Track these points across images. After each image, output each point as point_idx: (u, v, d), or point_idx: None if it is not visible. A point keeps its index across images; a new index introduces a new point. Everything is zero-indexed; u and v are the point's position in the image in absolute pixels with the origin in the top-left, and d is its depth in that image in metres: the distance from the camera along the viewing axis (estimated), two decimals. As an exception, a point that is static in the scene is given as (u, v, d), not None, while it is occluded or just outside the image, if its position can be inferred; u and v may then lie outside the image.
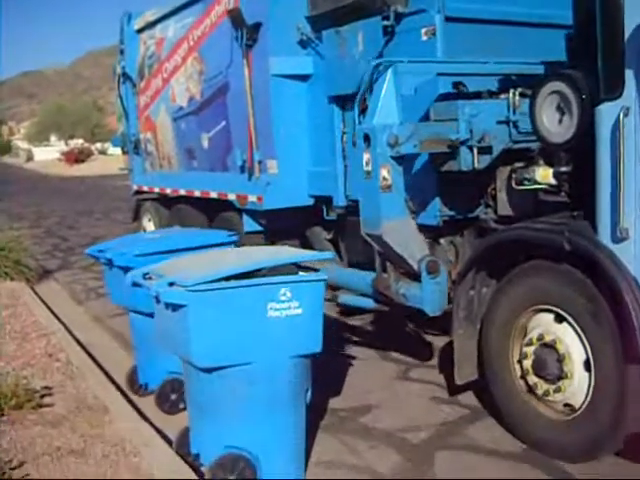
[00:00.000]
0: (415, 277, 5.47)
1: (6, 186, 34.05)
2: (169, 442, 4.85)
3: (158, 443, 4.85)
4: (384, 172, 5.21)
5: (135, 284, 4.61)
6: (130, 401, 5.76)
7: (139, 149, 11.33)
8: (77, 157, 61.54)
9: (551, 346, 4.55)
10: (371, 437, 5.15)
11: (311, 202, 7.45)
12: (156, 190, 10.86)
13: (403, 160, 5.31)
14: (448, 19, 5.93)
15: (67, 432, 5.03)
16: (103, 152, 73.18)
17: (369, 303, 6.19)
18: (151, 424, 5.26)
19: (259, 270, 4.32)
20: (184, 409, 5.45)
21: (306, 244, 7.84)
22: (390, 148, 5.16)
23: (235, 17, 7.45)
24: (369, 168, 5.25)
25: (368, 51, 6.28)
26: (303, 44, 7.22)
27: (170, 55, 9.65)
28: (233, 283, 4.11)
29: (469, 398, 5.64)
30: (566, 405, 4.58)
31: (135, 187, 11.79)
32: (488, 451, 4.84)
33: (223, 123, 8.48)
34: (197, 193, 9.29)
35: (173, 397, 5.62)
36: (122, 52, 11.14)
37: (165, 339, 4.52)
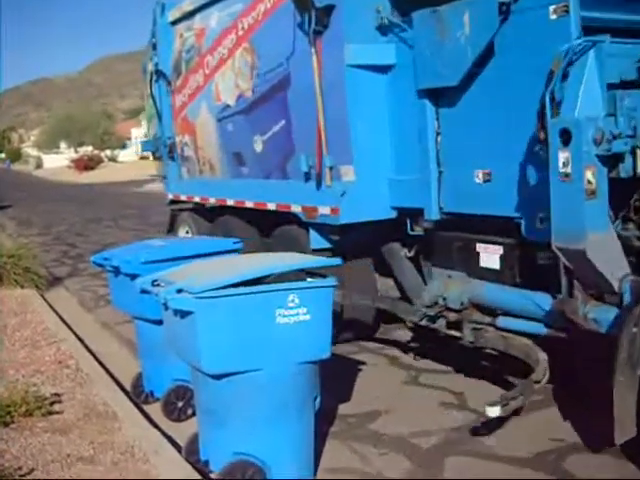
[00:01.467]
0: (602, 298, 4.72)
1: (16, 193, 34.17)
2: (178, 449, 4.84)
3: (167, 450, 4.84)
4: (589, 174, 4.36)
5: (144, 291, 4.61)
6: (139, 408, 5.76)
7: (174, 154, 10.17)
8: (87, 164, 61.84)
9: None
10: (381, 443, 5.12)
11: (393, 215, 6.39)
12: (196, 199, 9.65)
13: (609, 160, 4.47)
14: None
15: (76, 439, 5.03)
16: (113, 159, 73.58)
17: (539, 329, 5.22)
18: (160, 431, 5.25)
19: (268, 276, 4.32)
20: (192, 416, 5.47)
21: (381, 262, 6.96)
22: (595, 146, 4.36)
23: (301, 0, 6.43)
24: (568, 169, 4.38)
25: (476, 34, 5.26)
26: (383, 30, 6.19)
27: (214, 47, 8.52)
28: (242, 289, 4.12)
29: (478, 403, 5.62)
30: None
31: (170, 196, 10.52)
32: (499, 457, 4.81)
33: (282, 123, 7.34)
34: (249, 204, 8.12)
35: (180, 404, 5.61)
36: (154, 47, 10.08)
37: (174, 345, 4.53)
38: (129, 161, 71.76)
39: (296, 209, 7.11)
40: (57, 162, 76.63)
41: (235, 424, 4.22)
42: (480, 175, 5.44)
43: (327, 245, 6.94)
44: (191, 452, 4.66)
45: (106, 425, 5.26)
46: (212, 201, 9.15)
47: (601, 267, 4.48)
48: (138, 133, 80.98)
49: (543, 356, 5.13)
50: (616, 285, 4.51)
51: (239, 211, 8.47)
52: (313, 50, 6.43)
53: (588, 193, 4.37)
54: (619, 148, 4.42)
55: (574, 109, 4.48)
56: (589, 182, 4.36)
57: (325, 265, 5.17)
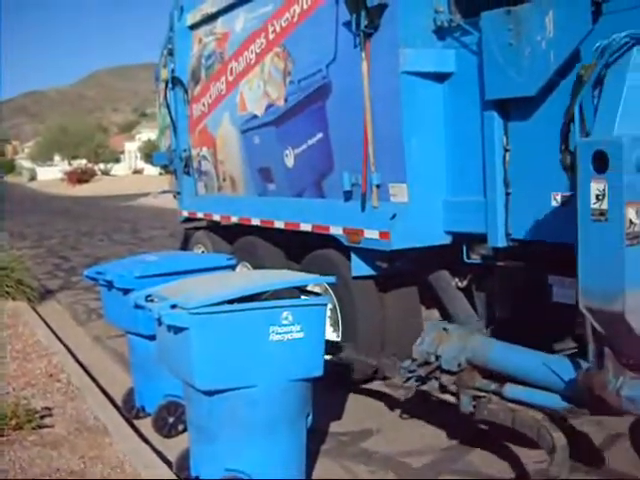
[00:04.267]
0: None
1: (9, 205, 34.07)
2: (169, 464, 4.83)
3: (158, 465, 4.82)
4: (631, 213, 3.42)
5: (137, 306, 4.59)
6: (130, 423, 5.73)
7: (190, 168, 9.48)
8: (80, 177, 61.72)
9: None
10: (372, 462, 5.11)
11: (448, 240, 5.66)
12: (216, 217, 8.83)
13: None
14: None
15: (67, 453, 5.01)
16: (106, 173, 73.45)
17: (558, 403, 4.32)
18: (151, 446, 5.24)
19: (262, 293, 4.34)
20: (183, 432, 5.45)
21: (428, 292, 6.16)
22: None
23: None
24: (604, 206, 3.48)
25: (562, 37, 4.50)
26: (441, 33, 5.54)
27: (239, 53, 7.81)
28: (235, 306, 4.13)
29: (468, 424, 5.61)
30: None
31: (185, 213, 9.65)
32: (488, 477, 4.81)
33: (319, 136, 6.62)
34: (279, 224, 7.26)
35: (171, 420, 5.59)
36: (171, 53, 9.47)
37: (166, 361, 4.51)
38: (123, 175, 71.74)
39: (336, 231, 6.32)
40: (51, 174, 76.57)
41: (226, 440, 4.21)
42: (558, 198, 4.70)
43: (371, 272, 6.19)
44: (182, 468, 4.64)
45: (97, 440, 5.25)
46: (234, 220, 8.29)
47: None
48: (132, 147, 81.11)
49: (561, 441, 4.25)
50: None
51: (264, 232, 7.72)
52: (363, 55, 5.77)
53: (630, 237, 3.43)
54: None
55: (612, 125, 3.72)
56: (632, 223, 3.44)
57: (320, 282, 5.18)
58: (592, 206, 3.52)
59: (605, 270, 3.52)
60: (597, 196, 3.49)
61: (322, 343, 4.40)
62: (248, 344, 4.13)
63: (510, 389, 4.59)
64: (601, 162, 3.46)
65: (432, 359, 5.04)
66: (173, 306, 4.12)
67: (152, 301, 4.51)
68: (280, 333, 4.19)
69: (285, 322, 4.19)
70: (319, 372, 4.38)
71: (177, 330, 4.11)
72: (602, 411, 4.07)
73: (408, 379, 5.15)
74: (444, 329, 5.16)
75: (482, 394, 4.80)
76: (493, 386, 4.73)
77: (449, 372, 4.97)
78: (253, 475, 4.19)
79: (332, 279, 5.02)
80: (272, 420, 4.22)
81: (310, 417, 4.51)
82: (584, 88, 3.87)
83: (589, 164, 3.52)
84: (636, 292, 3.47)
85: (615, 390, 3.78)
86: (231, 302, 4.15)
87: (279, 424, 4.25)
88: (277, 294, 4.42)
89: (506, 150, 5.09)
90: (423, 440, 5.41)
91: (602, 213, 3.48)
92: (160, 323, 4.21)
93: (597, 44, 3.88)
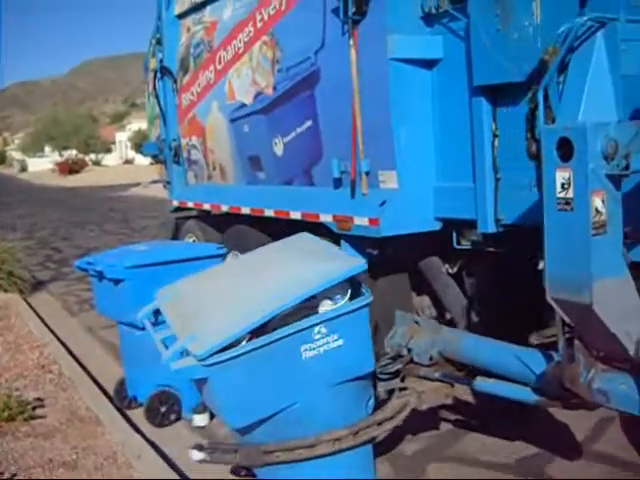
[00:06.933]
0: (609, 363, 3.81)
1: (-1, 197, 34.04)
2: (161, 454, 4.84)
3: (150, 455, 4.83)
4: (597, 201, 3.35)
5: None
6: (122, 413, 5.74)
7: (180, 157, 9.35)
8: (71, 168, 61.54)
9: None
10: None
11: (438, 226, 5.61)
12: (206, 207, 8.77)
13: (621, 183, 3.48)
14: None
15: (59, 444, 5.02)
16: (97, 163, 73.29)
17: (529, 396, 4.21)
18: (143, 436, 5.23)
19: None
20: (175, 421, 5.47)
21: (418, 279, 6.14)
22: (607, 162, 3.35)
23: None
24: (569, 194, 3.39)
25: (548, 21, 4.43)
26: (429, 19, 5.48)
27: (227, 41, 7.74)
28: (255, 343, 3.60)
29: (458, 412, 5.62)
30: None
31: (175, 202, 9.56)
32: (481, 462, 4.84)
33: (308, 124, 6.56)
34: (269, 212, 7.21)
35: (163, 410, 5.60)
36: (159, 42, 9.38)
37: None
38: (113, 165, 71.58)
39: (326, 219, 6.22)
40: (41, 166, 76.18)
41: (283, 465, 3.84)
42: None
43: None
44: None
45: (89, 430, 5.26)
46: (224, 209, 8.20)
47: (612, 325, 3.46)
48: (122, 137, 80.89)
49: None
50: (631, 348, 3.54)
51: (254, 220, 7.63)
52: (351, 42, 5.70)
53: (596, 227, 3.35)
54: None
55: (577, 112, 3.61)
56: (598, 212, 3.34)
57: (348, 276, 3.99)
58: (557, 195, 3.42)
59: (571, 260, 3.44)
60: (562, 185, 3.39)
61: (368, 339, 3.93)
62: (277, 372, 3.68)
63: (480, 382, 4.44)
64: (566, 149, 3.36)
65: (404, 352, 4.93)
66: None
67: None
68: (314, 349, 3.71)
69: (318, 336, 3.70)
70: (370, 367, 3.99)
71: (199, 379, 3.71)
72: (573, 405, 3.98)
73: (380, 372, 4.85)
74: (415, 322, 5.09)
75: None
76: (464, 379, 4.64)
77: (422, 365, 4.87)
78: None
79: (363, 266, 4.03)
80: (324, 428, 3.83)
81: (371, 401, 4.15)
82: (548, 73, 3.78)
83: (553, 151, 3.41)
84: (603, 282, 3.37)
85: (586, 383, 3.70)
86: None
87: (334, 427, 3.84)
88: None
89: (495, 136, 5.02)
90: (412, 427, 5.36)
91: (568, 202, 3.38)
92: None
93: (561, 28, 3.79)
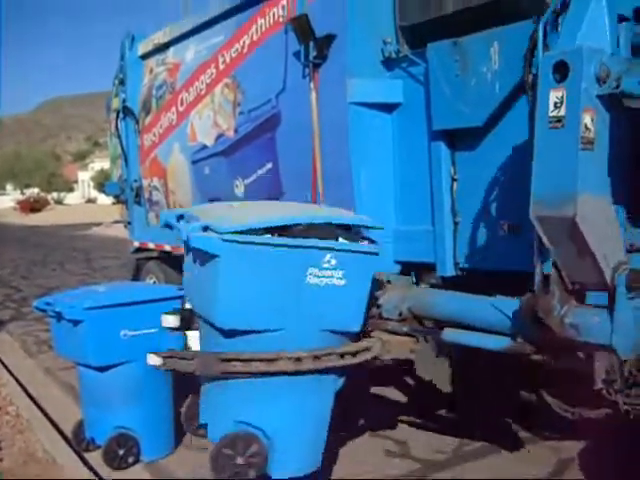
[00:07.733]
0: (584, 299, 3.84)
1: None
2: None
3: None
4: (587, 118, 3.50)
5: (167, 225, 4.29)
6: (80, 455, 5.68)
7: (141, 198, 9.37)
8: (33, 206, 61.05)
9: None
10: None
11: (397, 269, 5.60)
12: (167, 248, 8.68)
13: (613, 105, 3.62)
14: None
15: (14, 488, 4.97)
16: (59, 202, 72.83)
17: (500, 342, 4.15)
18: (101, 479, 5.19)
19: (294, 226, 3.89)
20: (133, 464, 5.45)
21: None
22: (598, 84, 3.54)
23: (301, 27, 5.70)
24: (561, 112, 3.54)
25: (507, 67, 4.58)
26: (389, 64, 5.54)
27: (189, 83, 7.82)
28: (274, 239, 3.76)
29: (422, 452, 5.65)
30: None
31: (136, 243, 9.62)
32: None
33: (269, 166, 6.62)
34: None
35: (121, 452, 5.55)
36: (122, 82, 9.43)
37: (189, 292, 4.29)
38: (76, 204, 71.13)
39: None
40: (3, 204, 75.51)
41: (236, 389, 3.93)
42: (506, 227, 4.74)
43: None
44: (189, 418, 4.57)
45: (46, 472, 5.20)
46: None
47: (593, 244, 3.49)
48: (85, 176, 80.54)
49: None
50: (608, 275, 3.52)
51: None
52: (312, 85, 5.76)
53: (585, 142, 3.49)
54: (631, 86, 3.50)
55: (574, 39, 3.72)
56: (587, 128, 3.49)
57: (365, 225, 4.39)
58: (550, 114, 3.57)
59: (559, 174, 3.55)
60: (555, 104, 3.55)
61: (365, 296, 4.03)
62: (281, 283, 3.76)
63: (448, 333, 4.43)
64: (561, 71, 3.53)
65: (374, 309, 4.82)
66: (205, 228, 3.78)
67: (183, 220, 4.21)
68: (318, 276, 3.81)
69: (326, 265, 3.81)
70: (356, 327, 4.05)
71: (205, 257, 3.77)
72: (545, 346, 3.96)
73: None
74: (387, 281, 5.10)
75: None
76: (414, 329, 4.74)
77: (390, 320, 4.86)
78: (266, 431, 3.91)
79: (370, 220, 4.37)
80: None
81: (342, 379, 4.18)
82: (549, 10, 3.86)
83: (549, 75, 3.58)
84: (587, 197, 3.48)
85: (559, 316, 3.71)
86: (266, 231, 3.78)
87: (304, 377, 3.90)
88: (311, 230, 3.92)
89: (454, 180, 5.13)
90: (376, 469, 5.37)
91: (559, 120, 3.54)
92: (188, 247, 3.91)
93: None
